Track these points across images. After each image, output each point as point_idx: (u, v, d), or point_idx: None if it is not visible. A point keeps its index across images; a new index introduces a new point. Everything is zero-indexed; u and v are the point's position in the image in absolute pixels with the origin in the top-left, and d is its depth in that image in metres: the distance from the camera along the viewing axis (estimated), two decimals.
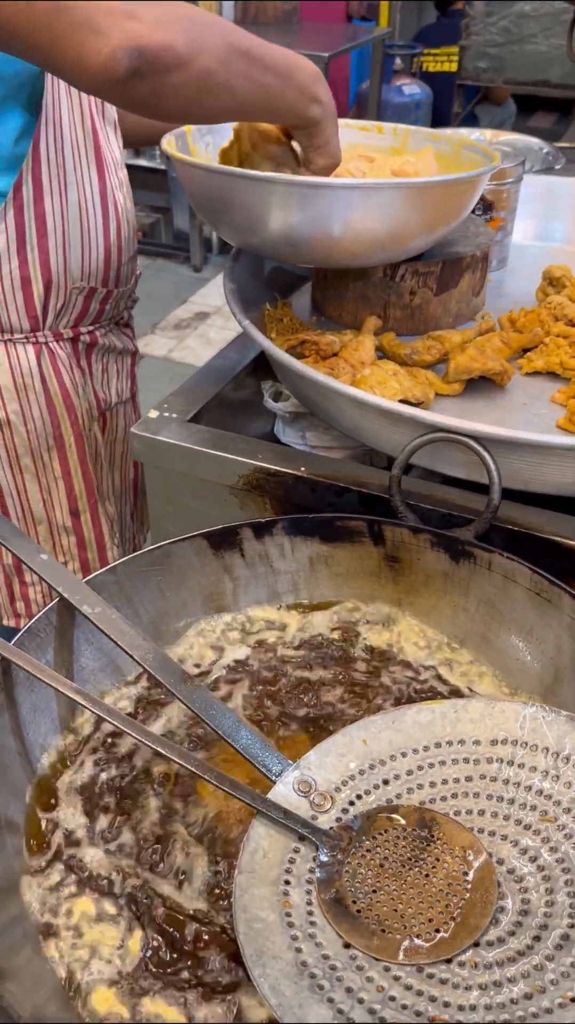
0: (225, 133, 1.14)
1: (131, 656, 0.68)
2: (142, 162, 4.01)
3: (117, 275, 1.13)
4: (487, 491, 0.79)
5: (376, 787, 0.64)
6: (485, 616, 0.78)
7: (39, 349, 1.07)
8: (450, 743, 0.65)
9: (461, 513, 0.83)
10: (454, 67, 3.98)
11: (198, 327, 3.49)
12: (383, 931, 0.55)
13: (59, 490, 1.11)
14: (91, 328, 1.13)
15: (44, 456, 1.08)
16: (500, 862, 0.58)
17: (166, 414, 0.96)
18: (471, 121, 4.08)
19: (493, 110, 4.29)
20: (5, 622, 1.21)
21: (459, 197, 0.97)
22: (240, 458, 0.89)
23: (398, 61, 3.87)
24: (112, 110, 1.15)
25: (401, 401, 0.91)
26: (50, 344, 1.08)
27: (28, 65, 0.91)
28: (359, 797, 0.63)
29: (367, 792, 0.64)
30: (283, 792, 0.62)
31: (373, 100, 3.57)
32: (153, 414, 0.96)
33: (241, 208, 0.94)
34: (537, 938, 0.54)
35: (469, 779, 0.63)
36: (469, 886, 0.57)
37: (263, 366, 1.10)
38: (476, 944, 0.54)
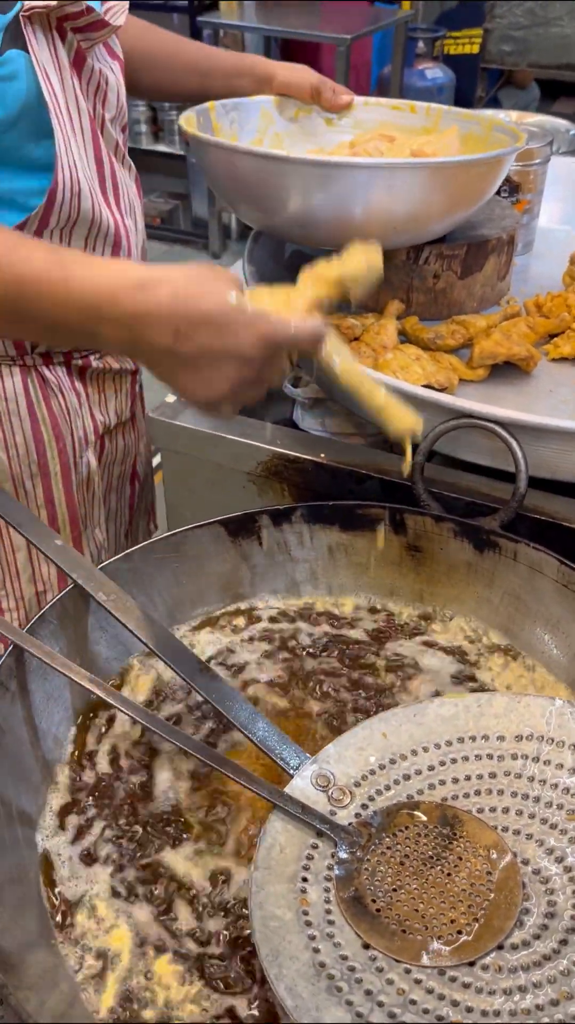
0: (251, 111, 1.12)
1: (146, 644, 0.67)
2: (161, 148, 3.98)
3: None
4: (513, 479, 0.77)
5: (396, 782, 0.62)
6: (510, 608, 0.76)
7: (26, 372, 0.95)
8: (473, 738, 0.63)
9: (486, 502, 0.81)
10: (476, 50, 3.93)
11: None
12: (404, 932, 0.53)
13: (41, 519, 1.02)
14: (85, 352, 1.01)
15: (27, 483, 0.98)
16: (525, 862, 0.56)
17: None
18: (494, 105, 4.02)
19: (516, 94, 4.22)
20: None
21: (481, 178, 0.94)
22: (258, 444, 0.87)
23: (420, 44, 3.81)
24: (117, 135, 0.96)
25: (425, 386, 0.88)
26: (39, 368, 0.96)
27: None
28: (379, 792, 0.61)
29: (387, 787, 0.62)
30: (301, 786, 0.61)
31: (395, 84, 3.52)
32: (171, 399, 0.94)
33: (260, 188, 0.92)
34: (564, 942, 0.52)
35: (493, 776, 0.61)
36: (493, 886, 0.55)
37: None
38: (500, 947, 0.52)
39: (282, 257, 1.15)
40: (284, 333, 0.62)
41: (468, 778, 0.62)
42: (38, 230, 0.84)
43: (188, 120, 1.01)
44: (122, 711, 0.62)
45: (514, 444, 0.75)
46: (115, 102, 0.92)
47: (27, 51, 0.77)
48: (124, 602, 0.69)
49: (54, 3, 0.77)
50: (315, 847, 0.58)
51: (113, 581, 0.70)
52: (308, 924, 0.53)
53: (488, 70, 4.06)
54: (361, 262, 0.71)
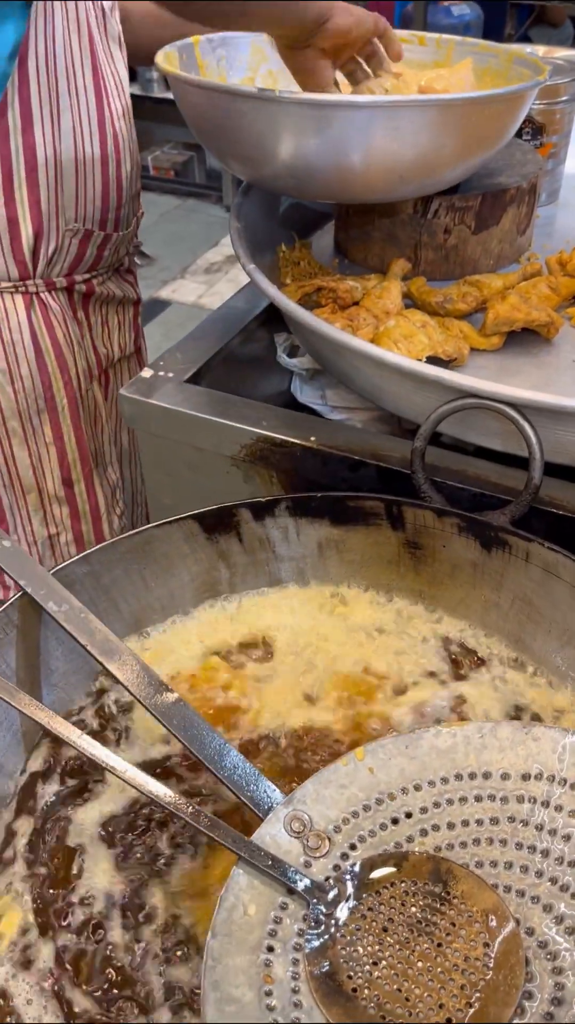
0: (241, 47, 1.01)
1: (100, 663, 0.58)
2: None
3: (116, 217, 1.01)
4: (526, 467, 0.67)
5: (383, 827, 0.54)
6: (520, 615, 0.67)
7: (29, 300, 0.96)
8: (473, 775, 0.55)
9: (495, 493, 0.72)
10: None
11: (229, 271, 3.33)
12: (383, 1017, 0.45)
13: (51, 457, 1.01)
14: (87, 276, 1.01)
15: (34, 419, 0.98)
16: (530, 932, 0.48)
17: (161, 373, 0.85)
18: (524, 43, 3.81)
19: (549, 32, 3.99)
20: None
21: (499, 117, 0.82)
22: (241, 425, 0.78)
23: None
24: (116, 24, 1.01)
25: (430, 358, 0.79)
26: (41, 294, 0.97)
27: None
28: (362, 839, 0.53)
29: (372, 833, 0.53)
30: (272, 832, 0.53)
31: (418, 21, 3.32)
32: (146, 373, 0.84)
33: (247, 134, 0.81)
34: None
35: (495, 821, 0.53)
36: (491, 962, 0.47)
37: (276, 317, 0.98)
38: None
39: (276, 212, 1.04)
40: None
41: (466, 824, 0.53)
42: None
43: (168, 57, 0.90)
44: (71, 744, 0.54)
45: (527, 428, 0.66)
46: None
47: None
48: (77, 613, 0.60)
49: None
50: (284, 907, 0.50)
51: (71, 587, 0.62)
52: (271, 1009, 0.46)
53: (518, 6, 3.83)
54: None
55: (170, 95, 3.77)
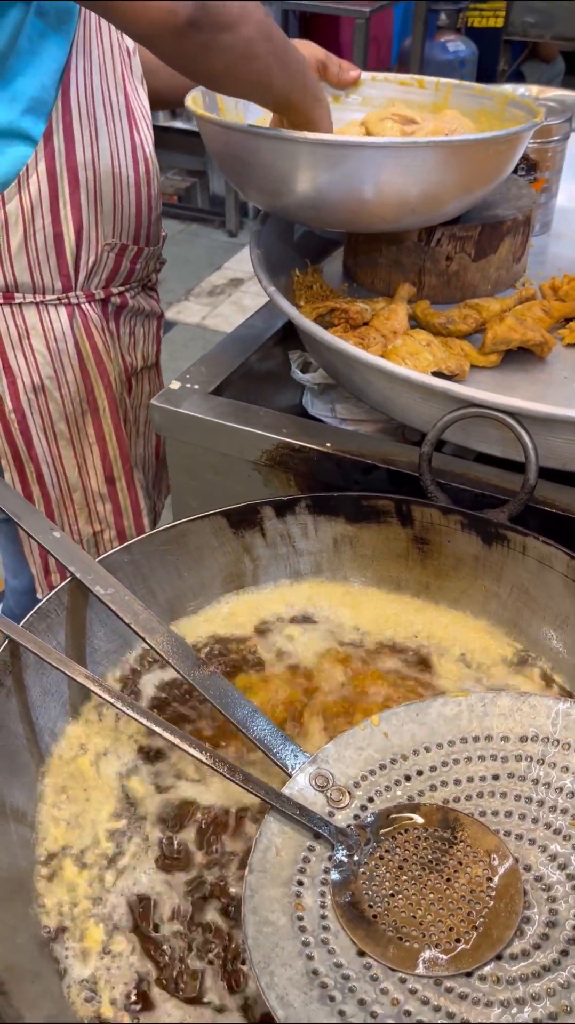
0: None
1: (144, 639, 0.66)
2: (178, 124, 3.93)
3: (148, 232, 1.10)
4: (523, 470, 0.74)
5: (397, 783, 0.61)
6: (518, 603, 0.74)
7: (71, 311, 1.04)
8: (476, 739, 0.62)
9: (495, 493, 0.79)
10: (500, 22, 3.82)
11: (232, 294, 3.43)
12: (400, 939, 0.52)
13: (94, 456, 1.09)
14: (121, 289, 1.10)
15: (79, 421, 1.07)
16: (527, 868, 0.55)
17: (188, 385, 0.92)
18: (517, 79, 3.92)
19: (541, 67, 4.12)
20: (39, 595, 1.19)
21: (497, 157, 0.91)
22: (263, 432, 0.86)
23: (442, 16, 3.71)
24: (138, 66, 1.10)
25: (434, 373, 0.86)
26: (82, 305, 1.05)
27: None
28: (378, 793, 0.60)
29: (387, 788, 0.60)
30: (299, 787, 0.60)
31: (416, 57, 3.44)
32: (175, 385, 0.92)
33: (267, 169, 0.89)
34: (565, 952, 0.50)
35: (496, 778, 0.60)
36: (493, 893, 0.54)
37: (291, 335, 1.06)
38: (499, 957, 0.51)
39: (291, 239, 1.12)
40: None
41: (470, 780, 0.60)
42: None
43: (194, 99, 0.98)
44: (119, 709, 0.61)
45: (523, 434, 0.73)
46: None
47: None
48: (122, 596, 0.67)
49: None
50: (312, 849, 0.57)
51: (114, 574, 0.69)
52: (302, 930, 0.52)
53: (511, 43, 3.95)
54: None
55: (175, 123, 3.86)
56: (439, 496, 0.77)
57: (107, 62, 1.01)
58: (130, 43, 1.06)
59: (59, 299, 1.02)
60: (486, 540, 0.74)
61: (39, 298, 1.03)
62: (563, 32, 3.73)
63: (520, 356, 0.92)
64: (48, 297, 1.02)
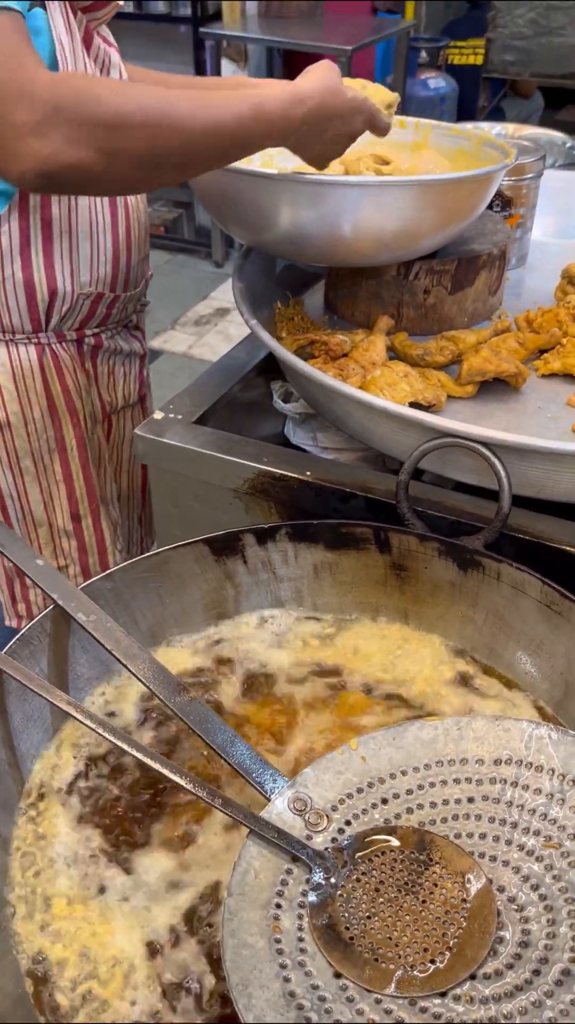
0: None
1: (125, 666, 0.66)
2: None
3: (126, 279, 1.09)
4: (497, 498, 0.76)
5: (374, 806, 0.62)
6: (493, 628, 0.75)
7: (41, 350, 1.03)
8: (452, 762, 0.63)
9: (471, 521, 0.81)
10: (480, 60, 3.93)
11: (218, 323, 3.47)
12: (376, 960, 0.53)
13: (60, 493, 1.09)
14: (96, 331, 1.09)
15: (45, 458, 1.06)
16: (501, 889, 0.56)
17: (171, 415, 0.94)
18: (497, 115, 4.02)
19: (520, 104, 4.22)
20: (7, 623, 1.19)
21: (470, 195, 0.94)
22: (244, 461, 0.87)
23: (423, 54, 3.81)
24: None
25: (411, 404, 0.88)
26: (52, 345, 1.04)
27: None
28: (356, 816, 0.61)
29: (364, 811, 0.61)
30: (277, 810, 0.60)
31: (397, 93, 3.52)
32: (158, 415, 0.94)
33: (248, 206, 0.92)
34: (537, 972, 0.51)
35: (471, 800, 0.61)
36: (467, 914, 0.55)
37: (273, 366, 1.08)
38: (473, 976, 0.52)
39: (273, 273, 1.15)
40: (378, 117, 0.89)
41: (446, 802, 0.61)
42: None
43: None
44: (100, 735, 0.62)
45: (497, 464, 0.75)
46: (118, 79, 0.97)
47: (45, 9, 0.86)
48: (104, 623, 0.68)
49: None
50: (290, 872, 0.58)
51: (96, 601, 0.70)
52: (280, 952, 0.53)
53: (491, 80, 4.06)
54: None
55: None
56: (416, 523, 0.79)
57: None
58: None
59: (28, 338, 1.01)
60: (462, 566, 0.76)
61: (7, 336, 1.02)
62: (541, 70, 3.83)
63: (496, 387, 0.95)
64: (17, 336, 1.01)
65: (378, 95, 0.99)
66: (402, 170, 1.02)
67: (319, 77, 0.83)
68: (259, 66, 3.85)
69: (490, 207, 1.19)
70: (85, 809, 0.65)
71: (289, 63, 3.75)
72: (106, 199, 1.02)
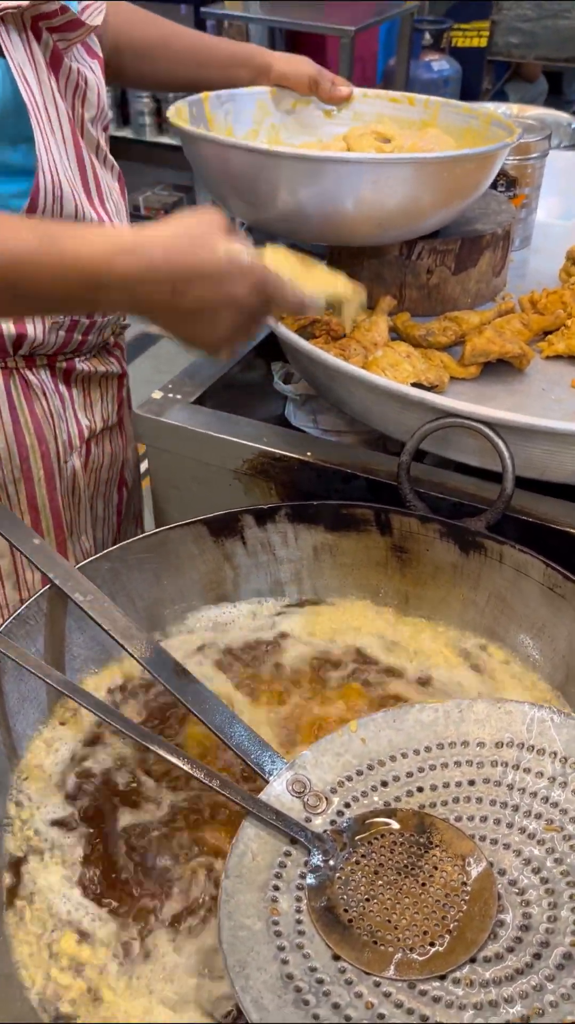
0: (246, 102, 1.11)
1: (122, 646, 0.66)
2: (165, 140, 3.95)
3: None
4: (500, 480, 0.75)
5: (374, 789, 0.61)
6: (495, 611, 0.75)
7: (8, 374, 0.93)
8: (453, 744, 0.62)
9: (473, 502, 0.80)
10: (484, 43, 3.88)
11: None
12: (375, 943, 0.52)
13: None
14: (69, 356, 0.98)
15: (9, 488, 0.96)
16: (501, 872, 0.55)
17: (171, 395, 0.93)
18: (501, 98, 3.98)
19: (524, 87, 4.17)
20: None
21: (472, 173, 0.92)
22: (244, 441, 0.86)
23: (427, 36, 3.76)
24: (96, 134, 0.94)
25: (414, 384, 0.87)
26: (21, 370, 0.93)
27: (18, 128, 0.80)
28: (355, 799, 0.60)
29: (364, 794, 0.61)
30: (276, 792, 0.60)
31: (400, 76, 3.48)
32: (157, 395, 0.93)
33: (246, 183, 0.90)
34: (537, 956, 0.51)
35: (471, 783, 0.60)
36: (467, 897, 0.54)
37: (274, 347, 1.07)
38: (473, 960, 0.51)
39: None
40: (276, 285, 0.67)
41: (446, 785, 0.61)
42: None
43: (179, 112, 0.99)
44: (95, 715, 0.61)
45: (500, 444, 0.74)
46: (95, 102, 0.90)
47: (2, 54, 0.75)
48: (101, 603, 0.68)
49: (27, 3, 0.75)
50: (288, 855, 0.57)
51: (92, 581, 0.70)
52: (278, 935, 0.52)
53: (495, 63, 4.01)
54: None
55: (162, 139, 3.86)
56: (418, 505, 0.78)
57: (75, 164, 0.88)
58: (88, 113, 0.90)
59: None
60: (464, 549, 0.75)
61: None
62: (545, 53, 3.79)
63: (499, 368, 0.93)
64: None
65: (320, 281, 0.74)
66: (403, 148, 1.01)
67: (179, 223, 0.65)
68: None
69: (494, 187, 1.17)
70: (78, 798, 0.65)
71: (292, 44, 3.70)
72: (89, 213, 0.90)
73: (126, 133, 4.11)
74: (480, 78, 4.03)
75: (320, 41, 3.58)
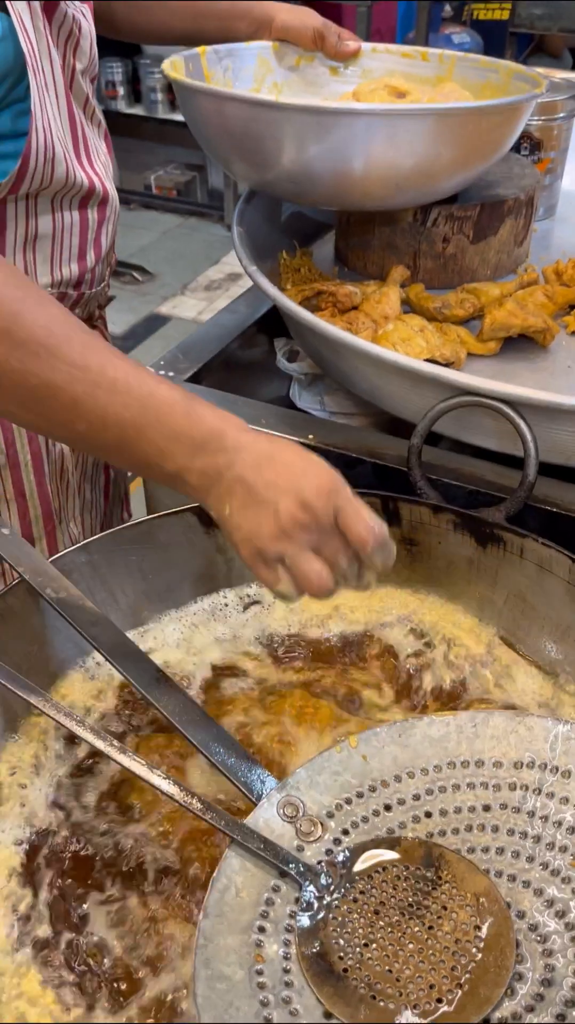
0: (247, 59, 1.03)
1: (97, 648, 0.59)
2: (177, 117, 3.86)
3: (92, 277, 0.92)
4: (522, 465, 0.68)
5: (375, 813, 0.54)
6: (514, 611, 0.67)
7: None
8: (466, 764, 0.55)
9: (491, 491, 0.72)
10: (506, 15, 3.76)
11: (229, 288, 3.36)
12: (374, 998, 0.45)
13: (12, 513, 0.93)
14: None
15: None
16: (520, 915, 0.48)
17: (162, 372, 0.86)
18: None
19: (548, 62, 4.05)
20: None
21: (495, 128, 0.84)
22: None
23: (447, 8, 3.65)
24: (85, 87, 0.86)
25: (427, 361, 0.79)
26: None
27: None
28: (355, 825, 0.54)
29: (364, 819, 0.54)
30: (265, 816, 0.53)
31: None
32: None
33: (250, 139, 0.83)
34: (562, 1016, 0.44)
35: (487, 809, 0.53)
36: (481, 945, 0.47)
37: (277, 323, 0.99)
38: (486, 1021, 0.44)
39: (278, 219, 1.06)
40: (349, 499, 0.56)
41: (458, 811, 0.54)
42: (9, 194, 0.76)
43: (174, 65, 0.92)
44: (61, 723, 0.54)
45: (523, 426, 0.67)
46: (87, 51, 0.82)
47: (4, 9, 0.68)
48: (75, 600, 0.61)
49: None
50: (277, 890, 0.50)
51: (69, 575, 0.63)
52: (261, 987, 0.46)
53: (518, 36, 3.89)
54: None
55: (174, 116, 3.78)
56: (429, 493, 0.70)
57: (67, 125, 0.81)
58: (80, 64, 0.83)
59: None
60: (480, 541, 0.67)
61: None
62: (570, 25, 3.66)
63: (521, 344, 0.86)
64: None
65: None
66: (420, 103, 0.93)
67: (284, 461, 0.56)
68: None
69: (517, 149, 1.09)
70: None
71: None
72: (79, 175, 0.83)
73: (137, 110, 4.02)
74: (502, 52, 3.91)
75: (336, 11, 3.48)
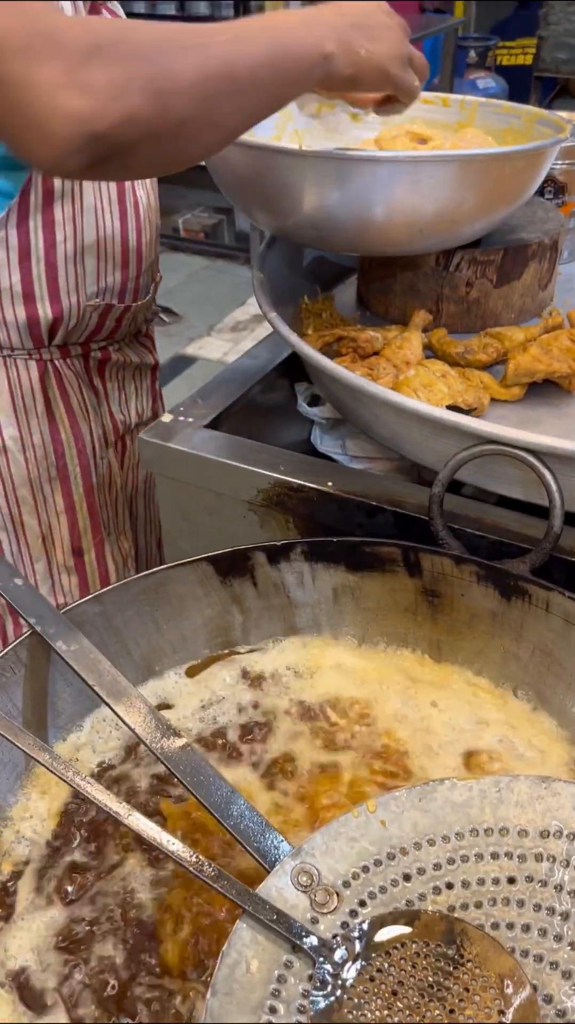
0: None
1: (108, 706, 0.57)
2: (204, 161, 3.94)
3: (136, 287, 0.98)
4: (547, 515, 0.66)
5: (394, 884, 0.51)
6: (540, 667, 0.65)
7: (43, 367, 0.92)
8: (489, 831, 0.52)
9: (515, 541, 0.70)
10: (530, 60, 3.82)
11: (255, 329, 3.39)
12: None
13: (61, 526, 0.98)
14: (103, 344, 0.98)
15: (45, 488, 0.95)
16: (547, 999, 0.45)
17: (181, 418, 0.85)
18: None
19: (573, 105, 4.09)
20: None
21: (519, 174, 0.84)
22: (259, 470, 0.78)
23: (472, 54, 3.71)
24: None
25: (449, 407, 0.78)
26: (55, 361, 0.93)
27: None
28: (372, 896, 0.51)
29: (382, 890, 0.51)
30: (278, 885, 0.51)
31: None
32: (166, 418, 0.85)
33: (272, 187, 0.83)
34: None
35: (512, 881, 0.50)
36: None
37: (298, 366, 0.98)
38: None
39: (300, 265, 1.06)
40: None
41: (482, 882, 0.51)
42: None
43: None
44: (67, 782, 0.53)
45: (547, 475, 0.65)
46: None
47: None
48: (87, 653, 0.59)
49: None
50: (289, 965, 0.48)
51: (82, 627, 0.62)
52: None
53: (542, 80, 3.94)
54: None
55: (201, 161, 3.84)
56: (451, 543, 0.68)
57: None
58: None
59: (29, 354, 0.90)
60: (505, 594, 0.65)
61: (4, 352, 0.91)
62: None
63: (545, 389, 0.84)
64: (16, 352, 0.90)
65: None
66: (442, 149, 0.92)
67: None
68: None
69: (542, 193, 1.08)
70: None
71: None
72: (114, 195, 0.91)
73: None
74: (527, 97, 3.96)
75: None
